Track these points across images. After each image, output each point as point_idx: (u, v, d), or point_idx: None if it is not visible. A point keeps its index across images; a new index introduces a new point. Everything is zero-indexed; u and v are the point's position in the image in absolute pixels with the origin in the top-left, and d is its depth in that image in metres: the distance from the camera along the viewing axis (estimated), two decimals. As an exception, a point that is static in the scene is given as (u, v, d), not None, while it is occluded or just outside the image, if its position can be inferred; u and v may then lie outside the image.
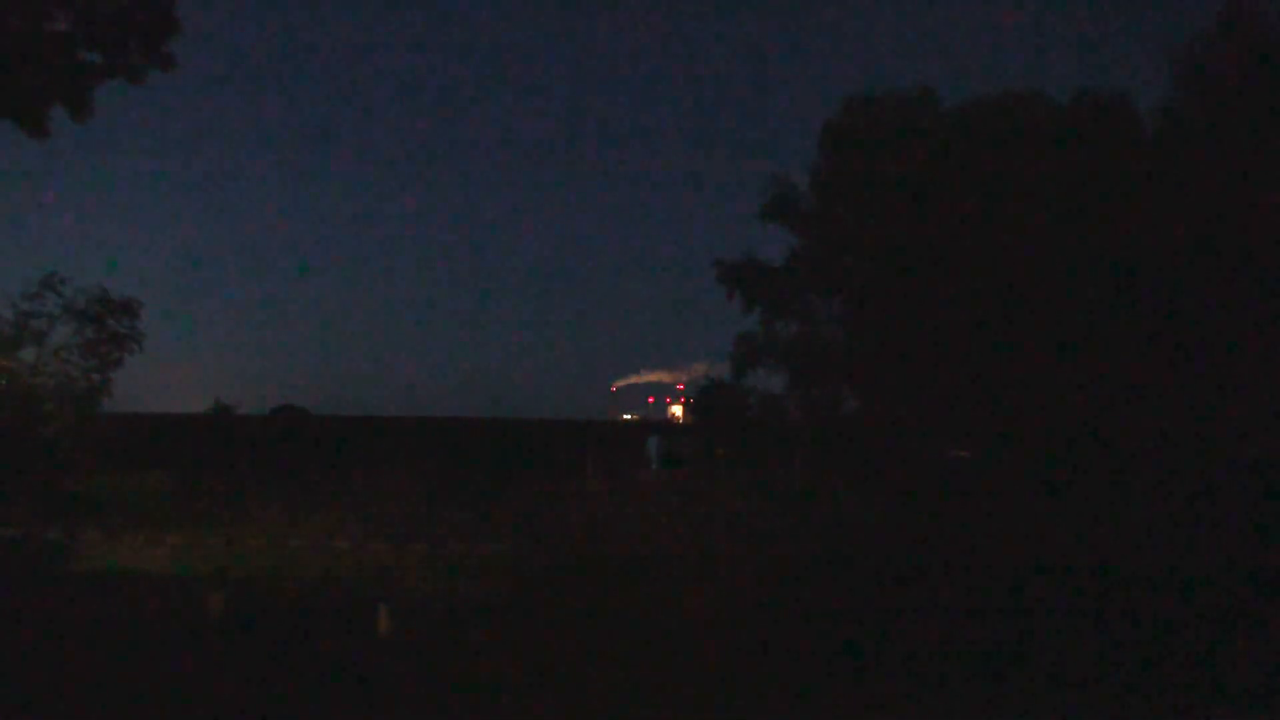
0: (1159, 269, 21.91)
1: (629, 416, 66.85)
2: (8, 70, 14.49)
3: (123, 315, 25.18)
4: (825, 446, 27.98)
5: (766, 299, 29.32)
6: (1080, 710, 9.82)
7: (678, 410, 57.30)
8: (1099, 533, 19.47)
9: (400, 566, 16.41)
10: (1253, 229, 20.95)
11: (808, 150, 30.35)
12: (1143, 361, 21.92)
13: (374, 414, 41.78)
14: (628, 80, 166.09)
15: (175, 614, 12.57)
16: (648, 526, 22.32)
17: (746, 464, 29.57)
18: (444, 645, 11.29)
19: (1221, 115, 21.92)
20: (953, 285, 24.69)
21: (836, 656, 11.49)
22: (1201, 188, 21.54)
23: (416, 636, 11.88)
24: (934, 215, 24.81)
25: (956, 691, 10.35)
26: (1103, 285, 22.78)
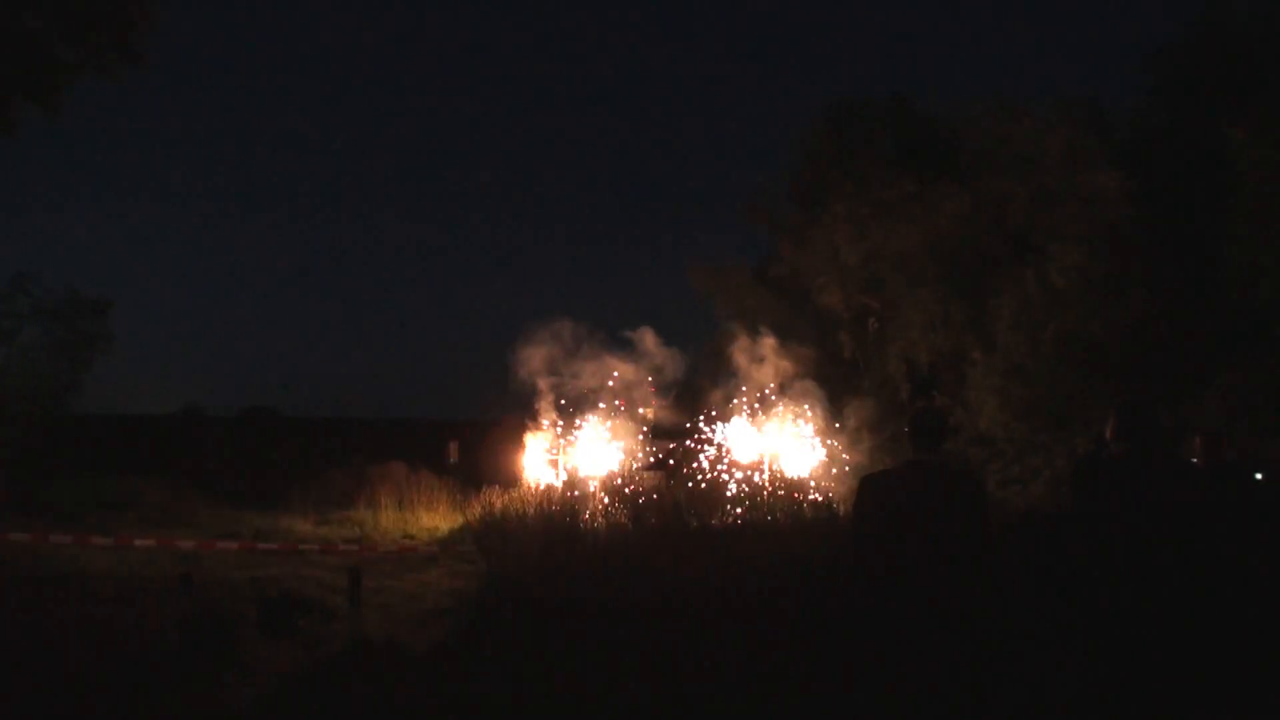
0: None
1: None
2: (-24, 67, 14.39)
3: (93, 315, 25.01)
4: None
5: (738, 306, 29.50)
6: None
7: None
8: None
9: (372, 570, 16.34)
10: None
11: (788, 157, 30.56)
12: None
13: (350, 416, 41.54)
14: (614, 84, 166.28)
15: (142, 618, 12.48)
16: None
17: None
18: (412, 641, 11.32)
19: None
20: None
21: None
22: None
23: (389, 633, 11.88)
24: (906, 223, 25.05)
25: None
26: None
